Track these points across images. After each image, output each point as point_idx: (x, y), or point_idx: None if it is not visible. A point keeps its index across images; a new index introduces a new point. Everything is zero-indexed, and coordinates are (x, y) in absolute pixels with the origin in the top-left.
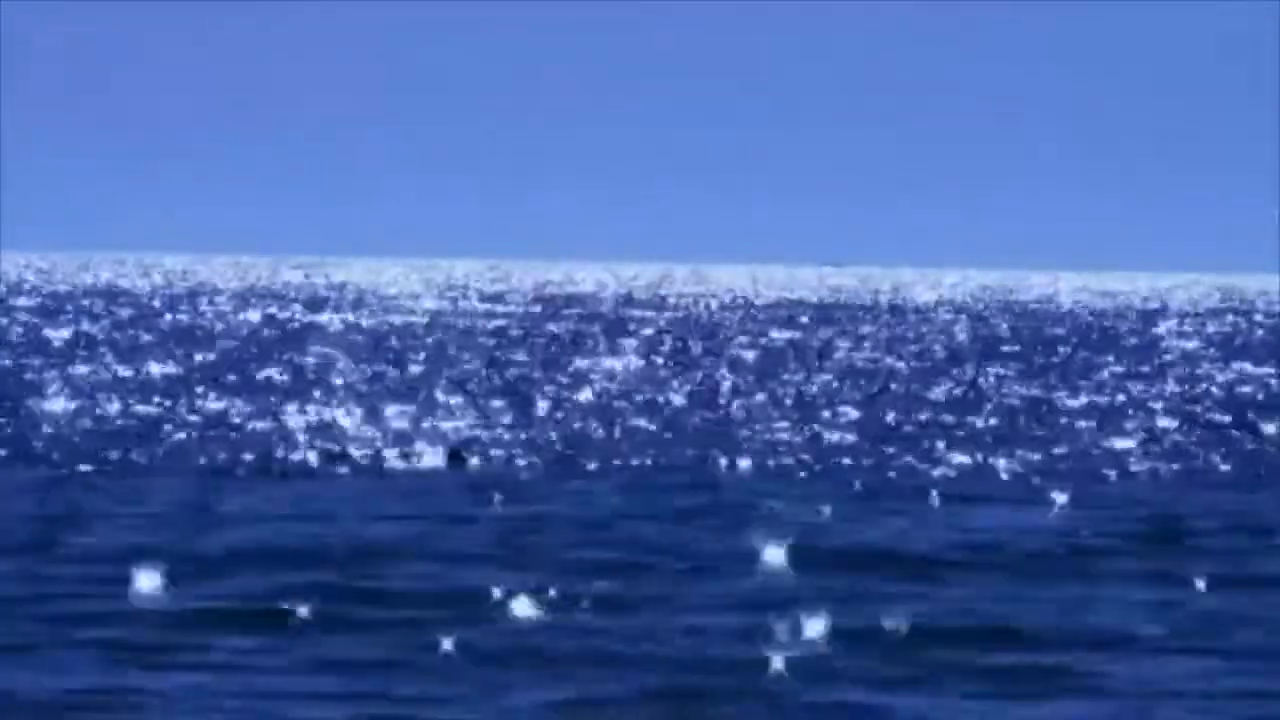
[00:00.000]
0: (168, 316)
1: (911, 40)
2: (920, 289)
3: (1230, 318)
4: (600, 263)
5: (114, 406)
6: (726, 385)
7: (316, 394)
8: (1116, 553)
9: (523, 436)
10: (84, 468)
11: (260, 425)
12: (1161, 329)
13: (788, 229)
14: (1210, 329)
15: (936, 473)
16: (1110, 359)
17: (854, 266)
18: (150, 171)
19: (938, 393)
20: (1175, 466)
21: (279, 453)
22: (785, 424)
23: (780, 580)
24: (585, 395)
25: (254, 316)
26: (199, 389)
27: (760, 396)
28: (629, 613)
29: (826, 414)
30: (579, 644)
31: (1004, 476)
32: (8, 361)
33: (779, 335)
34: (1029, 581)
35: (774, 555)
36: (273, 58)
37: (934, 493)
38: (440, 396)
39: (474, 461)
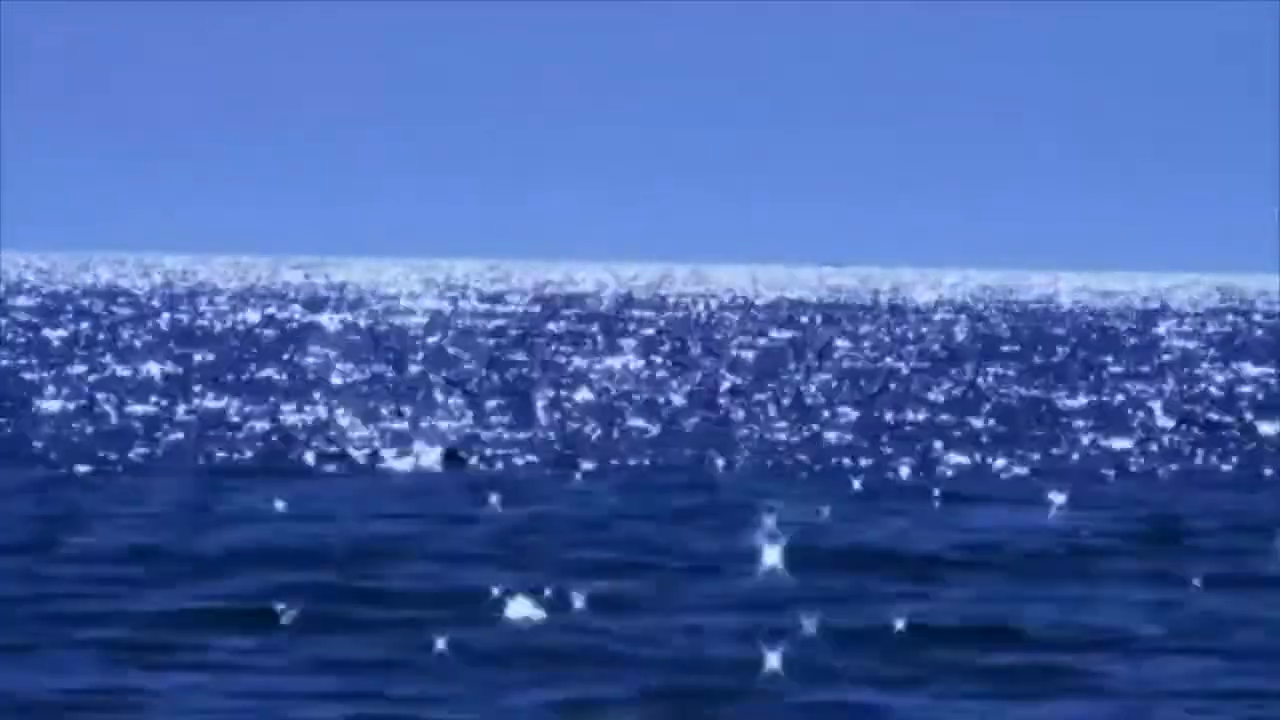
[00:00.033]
0: (167, 316)
1: (911, 40)
2: (920, 289)
3: (1230, 318)
4: (600, 263)
5: (113, 406)
6: (726, 385)
7: (316, 394)
8: (1116, 553)
9: (522, 436)
10: (83, 468)
11: (259, 425)
12: (1161, 329)
13: (788, 229)
14: (1210, 329)
15: (936, 473)
16: (1110, 359)
17: (854, 266)
18: (150, 171)
19: (937, 393)
20: (1175, 466)
21: (278, 453)
22: (784, 424)
23: (779, 580)
24: (584, 395)
25: (253, 316)
26: (198, 389)
27: (759, 396)
28: (628, 613)
29: (826, 414)
30: (578, 644)
31: (1004, 476)
32: (7, 361)
33: (779, 335)
34: (1029, 581)
35: (773, 555)
36: (273, 58)
37: (934, 493)
38: (439, 396)
39: (473, 461)
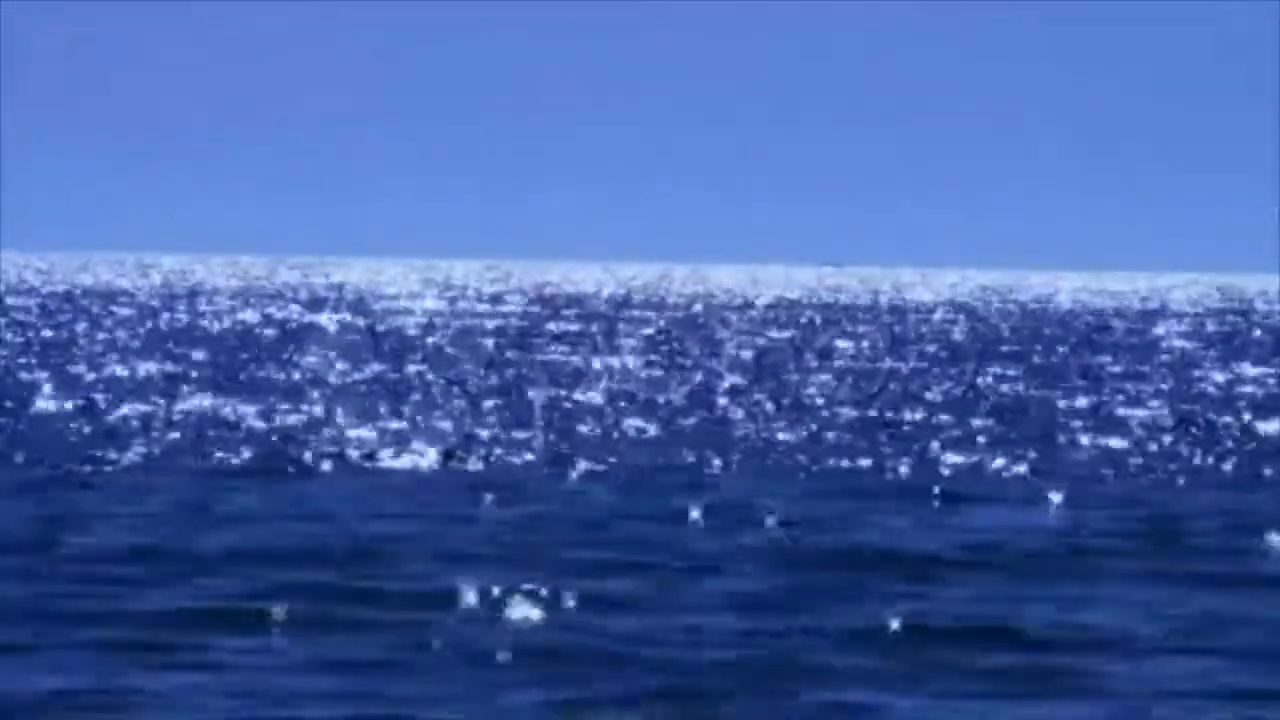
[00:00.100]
0: (166, 316)
1: (911, 40)
2: (920, 289)
3: (1230, 318)
4: (599, 263)
5: (113, 406)
6: (725, 385)
7: (314, 394)
8: (1116, 553)
9: (521, 436)
10: (83, 468)
11: (258, 425)
12: (1161, 329)
13: (788, 229)
14: (1210, 329)
15: (936, 473)
16: (1109, 359)
17: (854, 266)
18: (149, 171)
19: (937, 393)
20: (1175, 466)
21: (277, 453)
22: (784, 424)
23: (779, 580)
24: (584, 395)
25: (252, 316)
26: (197, 389)
27: (759, 396)
28: (628, 613)
29: (826, 414)
30: (577, 644)
31: (1004, 476)
32: (7, 361)
33: (778, 335)
34: (1028, 581)
35: (772, 555)
36: (272, 58)
37: (934, 493)
38: (439, 396)
39: (472, 461)
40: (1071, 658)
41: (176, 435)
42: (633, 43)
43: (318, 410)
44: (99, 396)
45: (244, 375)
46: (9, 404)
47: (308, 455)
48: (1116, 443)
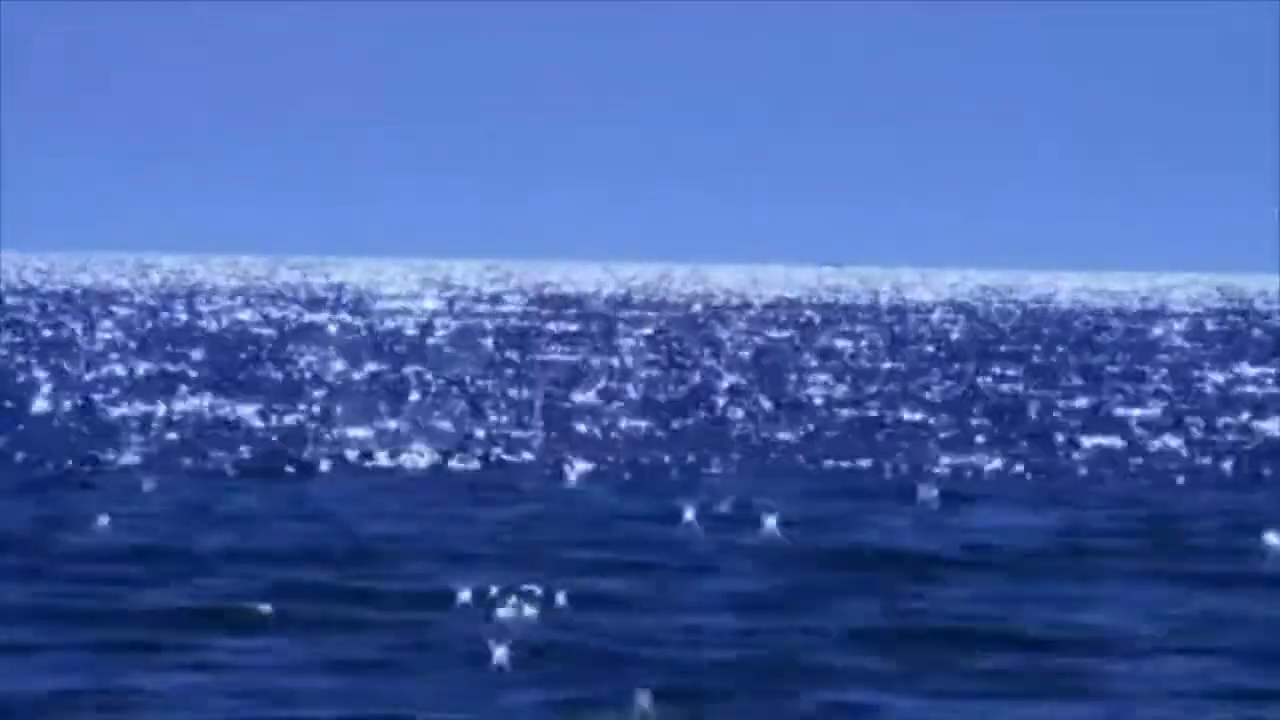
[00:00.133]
0: (166, 316)
1: (911, 40)
2: (920, 289)
3: (1230, 318)
4: (599, 263)
5: (111, 406)
6: (724, 385)
7: (314, 394)
8: (1116, 553)
9: (520, 436)
10: (83, 468)
11: (258, 425)
12: (1160, 329)
13: (788, 229)
14: (1210, 329)
15: (935, 473)
16: (1108, 359)
17: (854, 266)
18: (149, 171)
19: (936, 393)
20: (1175, 466)
21: (277, 453)
22: (783, 424)
23: (779, 580)
24: (583, 395)
25: (252, 316)
26: (197, 389)
27: (758, 396)
28: (628, 613)
29: (824, 414)
30: (577, 644)
31: (1003, 476)
32: (6, 361)
33: (777, 335)
34: (1028, 581)
35: (771, 555)
36: (272, 58)
37: (933, 493)
38: (438, 396)
39: (472, 461)
40: (1071, 658)
41: (176, 435)
42: (633, 43)
43: (317, 410)
44: (98, 396)
45: (243, 375)
46: (9, 404)
47: (307, 455)
48: (1116, 443)
